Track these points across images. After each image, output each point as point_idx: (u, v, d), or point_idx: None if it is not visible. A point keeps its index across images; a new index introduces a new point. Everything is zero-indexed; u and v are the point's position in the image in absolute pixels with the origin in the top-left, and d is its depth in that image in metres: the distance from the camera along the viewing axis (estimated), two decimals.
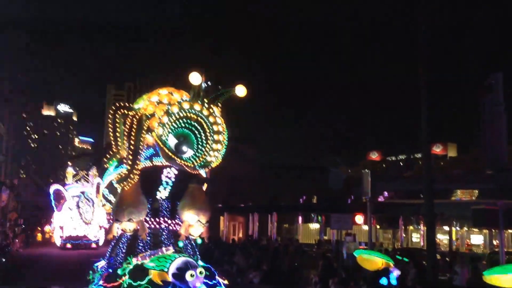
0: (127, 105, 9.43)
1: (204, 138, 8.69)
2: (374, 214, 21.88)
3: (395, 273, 9.62)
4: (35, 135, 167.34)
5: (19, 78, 44.33)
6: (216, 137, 8.76)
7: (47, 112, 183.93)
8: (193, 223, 9.35)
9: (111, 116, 9.19)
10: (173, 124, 8.67)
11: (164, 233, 9.46)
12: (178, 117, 8.67)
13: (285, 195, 41.85)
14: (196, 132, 8.67)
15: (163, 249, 9.02)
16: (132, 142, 8.79)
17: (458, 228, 27.85)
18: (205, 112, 8.77)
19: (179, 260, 7.49)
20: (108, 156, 9.49)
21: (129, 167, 8.75)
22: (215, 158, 8.93)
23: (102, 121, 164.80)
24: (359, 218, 25.32)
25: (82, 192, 32.78)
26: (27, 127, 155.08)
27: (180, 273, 7.40)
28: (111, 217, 10.00)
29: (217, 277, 8.84)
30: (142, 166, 9.03)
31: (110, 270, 9.16)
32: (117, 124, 9.10)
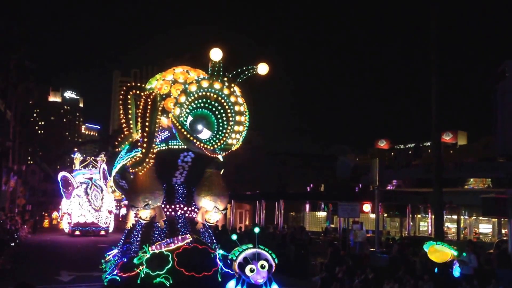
0: (140, 85, 8.95)
1: (225, 119, 8.05)
2: (381, 202, 21.82)
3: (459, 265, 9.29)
4: (42, 122, 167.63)
5: (25, 64, 44.22)
6: (237, 118, 8.15)
7: (54, 98, 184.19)
8: (210, 209, 8.96)
9: (122, 97, 8.76)
10: (192, 104, 8.03)
11: (180, 221, 9.07)
12: (196, 96, 8.02)
13: (293, 183, 41.83)
14: (216, 113, 8.01)
15: (179, 237, 8.72)
16: (147, 124, 8.22)
17: (466, 217, 27.75)
18: (226, 91, 8.09)
19: (249, 251, 6.83)
20: (120, 140, 9.07)
21: (144, 151, 8.29)
22: (236, 140, 8.37)
23: (109, 107, 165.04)
24: (366, 207, 25.29)
25: (90, 179, 32.68)
26: (34, 114, 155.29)
27: (244, 264, 6.77)
28: (121, 203, 9.69)
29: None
30: (157, 150, 8.54)
31: (125, 259, 8.78)
32: (129, 106, 8.69)
